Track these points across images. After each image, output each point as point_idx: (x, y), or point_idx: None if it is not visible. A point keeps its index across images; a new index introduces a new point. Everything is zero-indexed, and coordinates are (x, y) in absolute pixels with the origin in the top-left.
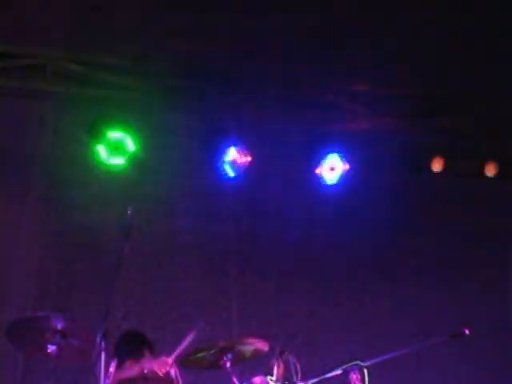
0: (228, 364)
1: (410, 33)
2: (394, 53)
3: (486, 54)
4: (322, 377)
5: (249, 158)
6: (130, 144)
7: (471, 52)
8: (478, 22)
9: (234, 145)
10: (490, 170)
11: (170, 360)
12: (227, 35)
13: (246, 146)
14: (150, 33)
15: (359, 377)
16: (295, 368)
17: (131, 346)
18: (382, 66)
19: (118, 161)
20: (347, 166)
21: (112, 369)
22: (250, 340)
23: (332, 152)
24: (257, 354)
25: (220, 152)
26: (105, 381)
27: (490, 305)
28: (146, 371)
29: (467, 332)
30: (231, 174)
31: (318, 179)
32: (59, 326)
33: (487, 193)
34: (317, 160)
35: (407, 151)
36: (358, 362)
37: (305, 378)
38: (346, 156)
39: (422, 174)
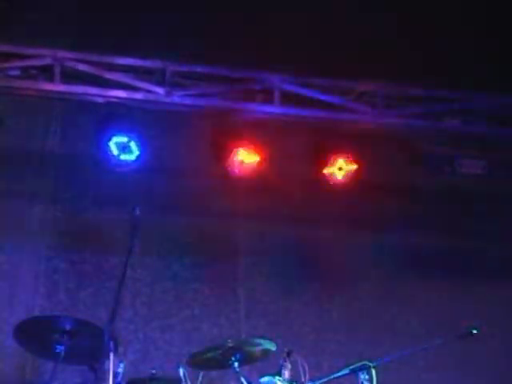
0: (236, 364)
1: (417, 32)
2: (399, 52)
3: (496, 53)
4: (330, 377)
5: (257, 158)
6: (135, 148)
7: (481, 51)
8: (490, 21)
9: (242, 145)
10: (498, 170)
11: None
12: (232, 36)
13: (253, 146)
14: (158, 33)
15: (367, 377)
16: (303, 368)
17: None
18: (388, 65)
19: (128, 157)
20: (355, 166)
21: (121, 369)
22: (258, 340)
23: (339, 152)
24: (265, 354)
25: (228, 152)
26: (113, 381)
27: (498, 305)
28: (154, 371)
29: (475, 332)
30: (238, 174)
31: (326, 179)
32: (67, 327)
33: (496, 192)
34: (324, 160)
35: (415, 151)
36: (366, 362)
37: (313, 378)
38: (353, 156)
39: (432, 173)
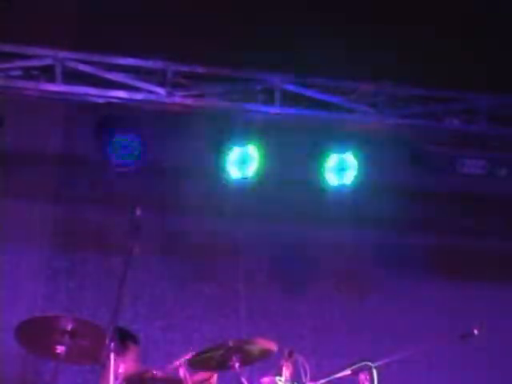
0: (237, 365)
1: (420, 32)
2: (402, 52)
3: (497, 55)
4: (331, 377)
5: (257, 159)
6: (136, 148)
7: (481, 52)
8: (491, 21)
9: (242, 145)
10: (501, 170)
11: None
12: (233, 36)
13: (254, 146)
14: (159, 33)
15: (368, 377)
16: (304, 369)
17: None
18: (390, 65)
19: (129, 158)
20: (355, 166)
21: (121, 370)
22: (259, 340)
23: (340, 152)
24: (266, 354)
25: (228, 152)
26: (114, 382)
27: (498, 305)
28: (155, 372)
29: (476, 332)
30: (239, 174)
31: (327, 180)
32: (68, 327)
33: (496, 192)
34: (325, 161)
35: (415, 151)
36: (367, 363)
37: (314, 378)
38: (354, 156)
39: (432, 173)
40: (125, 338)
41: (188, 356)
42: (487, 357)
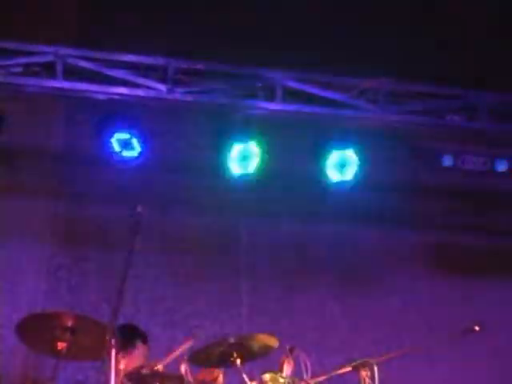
0: (238, 361)
1: (421, 31)
2: (404, 50)
3: (499, 51)
4: (332, 374)
5: (258, 155)
6: (137, 145)
7: (482, 50)
8: (492, 19)
9: (242, 142)
10: (502, 165)
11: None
12: (233, 33)
13: (255, 143)
14: (160, 30)
15: (369, 373)
16: (305, 365)
17: (123, 339)
18: (391, 62)
19: (130, 154)
20: (356, 163)
21: (122, 366)
22: (260, 337)
23: (341, 149)
24: (266, 350)
25: (229, 149)
26: (115, 378)
27: (498, 304)
28: (156, 368)
29: (477, 329)
30: (240, 171)
31: (328, 176)
32: (69, 323)
33: (498, 188)
34: (326, 157)
35: (416, 147)
36: (368, 359)
37: (315, 375)
38: (355, 153)
39: (433, 170)
40: (134, 337)
41: (188, 345)
42: (487, 354)
